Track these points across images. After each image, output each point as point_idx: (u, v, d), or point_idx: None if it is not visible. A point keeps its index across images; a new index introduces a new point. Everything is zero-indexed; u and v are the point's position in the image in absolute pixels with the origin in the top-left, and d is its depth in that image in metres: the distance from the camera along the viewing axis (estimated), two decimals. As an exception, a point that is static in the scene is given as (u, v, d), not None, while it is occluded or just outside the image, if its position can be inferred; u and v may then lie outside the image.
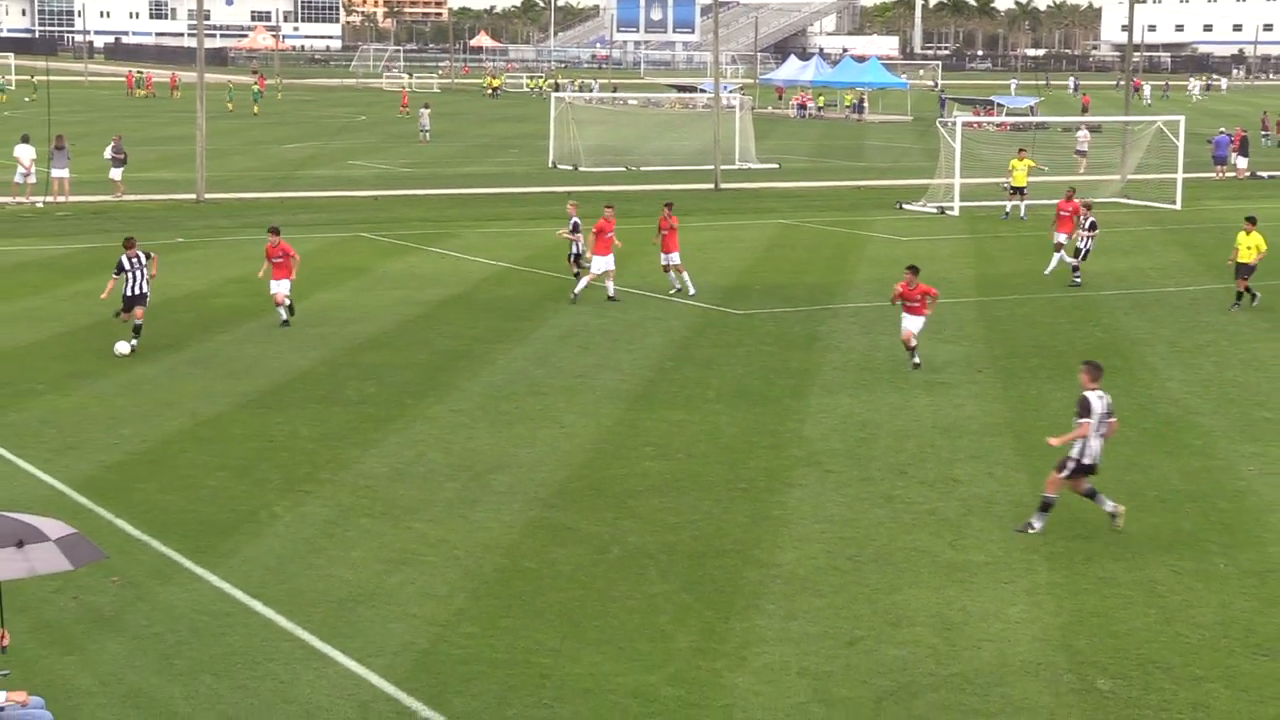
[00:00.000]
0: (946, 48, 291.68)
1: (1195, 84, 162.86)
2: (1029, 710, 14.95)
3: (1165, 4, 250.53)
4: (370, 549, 19.35)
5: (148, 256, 30.76)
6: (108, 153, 58.15)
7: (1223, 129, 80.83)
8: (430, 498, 21.50)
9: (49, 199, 55.81)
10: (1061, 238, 41.87)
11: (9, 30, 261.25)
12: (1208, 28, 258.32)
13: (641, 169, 74.22)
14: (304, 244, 46.28)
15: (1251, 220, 37.41)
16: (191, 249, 45.26)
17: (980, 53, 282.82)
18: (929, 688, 15.44)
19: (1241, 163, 75.40)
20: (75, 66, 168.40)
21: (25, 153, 55.74)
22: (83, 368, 28.89)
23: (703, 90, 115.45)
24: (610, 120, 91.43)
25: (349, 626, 16.79)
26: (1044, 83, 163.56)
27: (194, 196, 57.92)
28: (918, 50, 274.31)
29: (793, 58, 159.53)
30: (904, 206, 59.51)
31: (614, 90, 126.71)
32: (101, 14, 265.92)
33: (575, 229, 37.92)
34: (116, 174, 57.65)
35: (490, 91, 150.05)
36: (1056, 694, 15.35)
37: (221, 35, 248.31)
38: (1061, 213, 42.03)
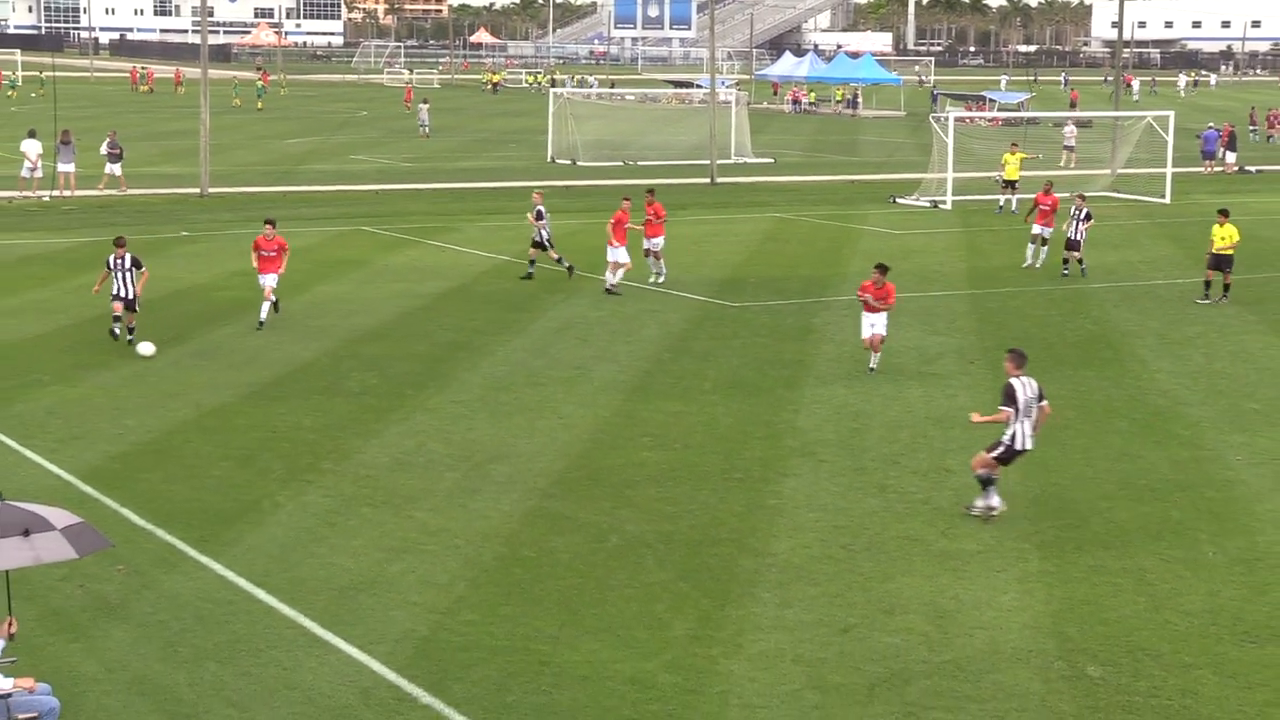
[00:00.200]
0: (939, 44, 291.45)
1: (1183, 79, 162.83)
2: (1020, 697, 14.96)
3: (1155, 1, 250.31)
4: (371, 538, 19.36)
5: (138, 267, 30.06)
6: (103, 148, 58.06)
7: (1211, 124, 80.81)
8: (430, 487, 21.50)
9: (55, 193, 55.78)
10: (1038, 229, 41.80)
11: (15, 27, 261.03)
12: (1196, 24, 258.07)
13: (639, 163, 74.16)
14: (306, 237, 46.33)
15: (1224, 213, 37.31)
16: (195, 242, 45.24)
17: (973, 49, 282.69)
18: (922, 674, 15.46)
19: (1230, 158, 75.39)
20: (81, 62, 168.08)
21: (32, 148, 55.69)
22: (88, 359, 28.87)
23: (699, 86, 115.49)
24: (608, 115, 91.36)
25: (350, 614, 16.80)
26: (1033, 79, 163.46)
27: (198, 191, 57.88)
28: (911, 46, 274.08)
29: (788, 54, 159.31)
30: (897, 200, 59.48)
31: (612, 86, 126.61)
32: (107, 11, 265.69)
33: (539, 216, 38.51)
34: (114, 169, 57.54)
35: (490, 87, 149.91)
36: (1047, 681, 15.37)
37: (225, 32, 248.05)
38: (1040, 206, 41.94)
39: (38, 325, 32.38)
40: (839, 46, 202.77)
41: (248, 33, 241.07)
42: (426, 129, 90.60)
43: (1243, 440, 24.68)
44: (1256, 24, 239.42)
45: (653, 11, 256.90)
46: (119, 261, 29.86)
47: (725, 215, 54.61)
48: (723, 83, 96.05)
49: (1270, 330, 34.01)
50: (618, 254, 36.79)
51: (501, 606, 17.11)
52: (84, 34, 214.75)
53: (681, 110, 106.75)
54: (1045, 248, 41.86)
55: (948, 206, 57.12)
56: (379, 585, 17.71)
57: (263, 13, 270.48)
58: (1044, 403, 20.38)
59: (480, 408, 26.07)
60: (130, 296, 29.99)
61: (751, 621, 16.80)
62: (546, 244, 38.79)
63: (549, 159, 75.25)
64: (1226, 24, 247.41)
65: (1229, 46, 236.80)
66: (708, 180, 66.20)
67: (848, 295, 37.70)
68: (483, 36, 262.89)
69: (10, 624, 13.67)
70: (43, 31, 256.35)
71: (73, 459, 22.58)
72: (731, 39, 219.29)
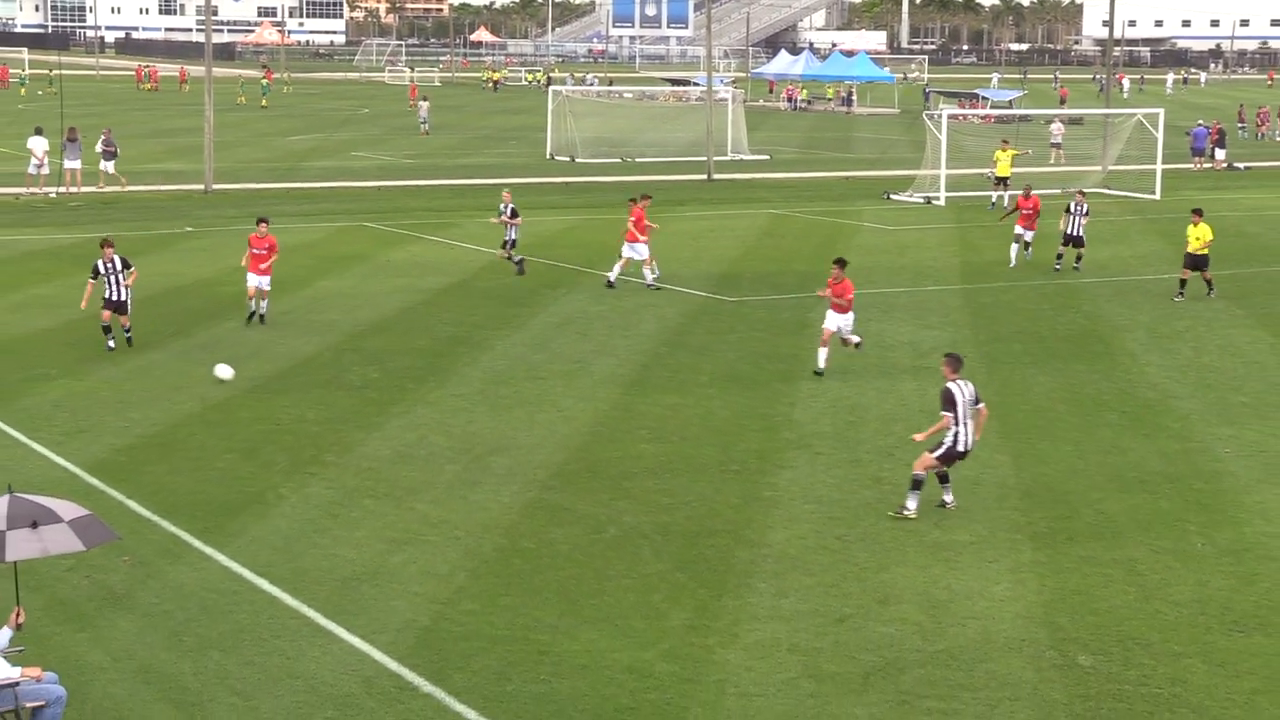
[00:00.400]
0: (933, 42, 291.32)
1: (1171, 77, 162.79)
2: (1012, 685, 14.97)
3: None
4: (373, 529, 19.36)
5: (126, 266, 29.17)
6: (98, 146, 57.96)
7: (1201, 121, 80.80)
8: (431, 479, 21.50)
9: (62, 190, 55.75)
10: (1020, 231, 41.70)
11: (23, 26, 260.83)
12: (1186, 23, 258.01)
13: (637, 160, 74.14)
14: (308, 233, 46.35)
15: (1198, 212, 37.24)
16: (199, 238, 45.21)
17: (965, 47, 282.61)
18: (915, 663, 15.47)
19: (1220, 154, 75.38)
20: (87, 61, 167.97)
21: (39, 145, 55.65)
22: (94, 353, 28.85)
23: (696, 84, 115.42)
24: (606, 113, 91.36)
25: (353, 604, 16.80)
26: (1022, 76, 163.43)
27: (202, 187, 57.85)
28: (905, 45, 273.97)
29: (783, 52, 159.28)
30: (891, 196, 59.46)
31: (609, 84, 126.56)
32: (112, 10, 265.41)
33: (514, 214, 38.63)
34: (108, 166, 57.45)
35: (491, 85, 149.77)
36: (1039, 669, 15.38)
37: (229, 30, 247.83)
38: (1022, 209, 41.84)
39: (44, 320, 32.35)
40: (834, 45, 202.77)
41: (251, 31, 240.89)
42: (426, 126, 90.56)
43: (1231, 433, 24.69)
44: (1245, 23, 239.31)
45: (650, 10, 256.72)
46: (109, 265, 28.94)
47: (722, 211, 54.59)
48: (719, 81, 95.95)
49: (1257, 324, 34.03)
50: (635, 249, 36.75)
51: (501, 597, 17.12)
52: (90, 33, 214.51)
53: (679, 108, 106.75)
54: (1029, 250, 41.73)
55: (941, 203, 57.10)
56: (381, 576, 17.71)
57: (266, 11, 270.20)
58: (981, 405, 20.32)
59: (480, 401, 26.07)
60: (121, 299, 29.15)
61: (748, 611, 16.81)
62: (512, 241, 38.79)
63: (548, 156, 75.21)
64: (1215, 23, 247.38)
65: (1218, 45, 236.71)
66: (704, 176, 66.18)
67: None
68: (483, 35, 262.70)
69: (18, 614, 13.67)
70: (49, 30, 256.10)
71: (79, 451, 22.58)
72: (728, 37, 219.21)
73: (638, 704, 14.49)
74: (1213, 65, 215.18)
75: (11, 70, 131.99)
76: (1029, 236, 41.57)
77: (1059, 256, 40.95)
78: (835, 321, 28.21)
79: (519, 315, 33.72)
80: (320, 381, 27.30)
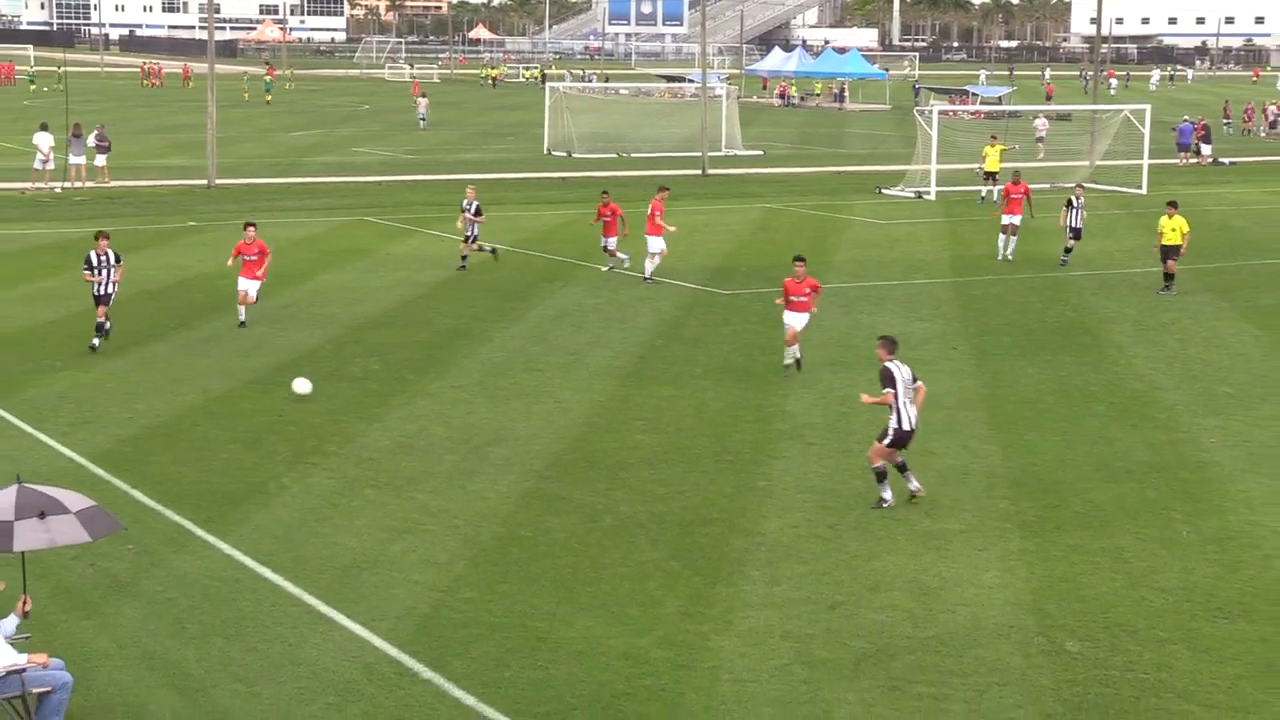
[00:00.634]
0: (924, 40, 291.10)
1: (1156, 74, 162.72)
2: (1001, 671, 14.99)
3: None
4: (374, 518, 19.36)
5: (117, 259, 28.73)
6: (91, 140, 57.86)
7: (1186, 117, 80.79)
8: (431, 469, 21.50)
9: (66, 184, 55.69)
10: (1007, 219, 41.66)
11: (29, 23, 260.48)
12: (1172, 20, 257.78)
13: (632, 155, 74.09)
14: (310, 228, 46.33)
15: (1173, 204, 37.19)
16: (202, 232, 45.17)
17: (955, 44, 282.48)
18: (906, 650, 15.48)
19: (1206, 150, 75.38)
20: (92, 58, 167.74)
21: (44, 140, 55.61)
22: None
23: (691, 80, 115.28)
24: (602, 109, 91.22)
25: (354, 592, 16.80)
26: (1009, 73, 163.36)
27: (205, 182, 57.80)
28: (896, 42, 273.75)
29: (777, 49, 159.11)
30: (883, 191, 59.46)
31: (606, 80, 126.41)
32: (116, 7, 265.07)
33: (477, 212, 38.47)
34: (101, 160, 57.39)
35: (490, 82, 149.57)
36: (1027, 655, 15.39)
37: (231, 28, 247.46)
38: (1011, 195, 41.79)
39: (50, 312, 32.32)
40: (826, 42, 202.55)
41: (253, 29, 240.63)
42: (425, 122, 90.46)
43: (1216, 423, 24.70)
44: (1230, 20, 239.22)
45: (646, 8, 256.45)
46: (102, 258, 28.44)
47: (716, 206, 54.57)
48: (714, 77, 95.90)
49: (1242, 316, 34.04)
50: (654, 243, 36.80)
51: (499, 584, 17.12)
52: (94, 30, 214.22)
53: (674, 104, 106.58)
54: (1015, 236, 41.55)
55: (931, 197, 57.11)
56: (381, 564, 17.71)
57: (268, 9, 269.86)
58: (919, 384, 20.31)
59: (479, 392, 26.06)
60: (108, 293, 28.56)
61: (741, 599, 16.82)
62: (474, 236, 38.68)
63: (545, 151, 75.16)
64: (1201, 20, 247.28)
65: (1203, 42, 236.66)
66: (699, 172, 66.16)
67: (835, 283, 37.72)
68: (481, 33, 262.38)
69: (25, 601, 13.68)
70: (54, 28, 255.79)
71: (84, 442, 22.57)
72: (722, 35, 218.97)
73: (633, 690, 14.50)
74: (1198, 62, 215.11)
75: (19, 68, 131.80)
76: (1016, 221, 41.44)
77: (1067, 250, 40.82)
78: (794, 321, 27.44)
79: (517, 308, 33.72)
80: (322, 373, 27.27)
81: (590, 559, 17.99)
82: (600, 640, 15.58)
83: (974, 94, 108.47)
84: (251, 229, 30.95)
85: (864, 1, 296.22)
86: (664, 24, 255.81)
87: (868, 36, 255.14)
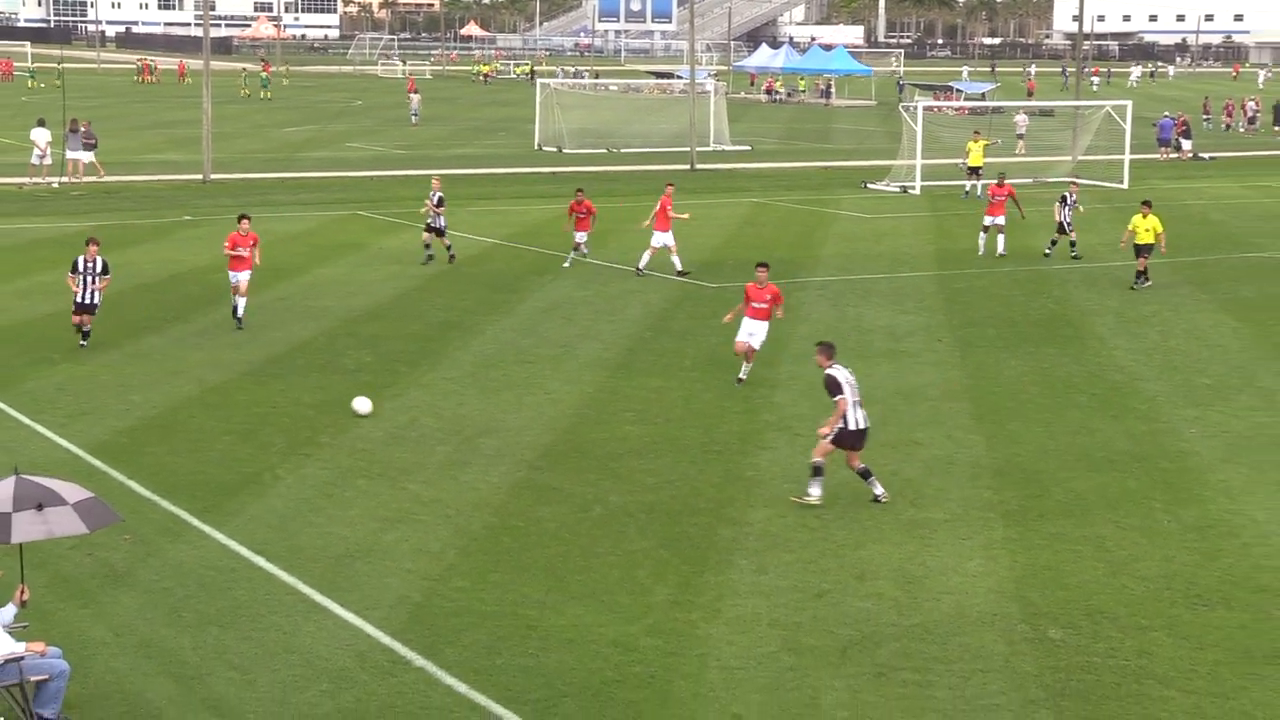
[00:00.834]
0: (909, 37, 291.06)
1: (1137, 70, 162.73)
2: (985, 658, 15.00)
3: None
4: (367, 508, 19.34)
5: (104, 270, 28.00)
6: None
7: (1167, 113, 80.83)
8: (423, 460, 21.48)
9: (64, 179, 55.57)
10: (989, 220, 41.59)
11: (26, 20, 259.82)
12: (1153, 18, 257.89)
13: (622, 150, 74.04)
14: (304, 222, 46.28)
15: (1147, 204, 37.18)
16: (198, 226, 45.08)
17: (940, 41, 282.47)
18: (891, 637, 15.49)
19: (1186, 145, 75.45)
20: (89, 55, 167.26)
21: (42, 136, 55.46)
22: (95, 338, 28.72)
23: (679, 76, 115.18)
24: (592, 105, 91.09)
25: (347, 581, 16.79)
26: (990, 69, 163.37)
27: (200, 177, 57.70)
28: (881, 39, 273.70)
29: (764, 46, 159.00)
30: (869, 186, 59.45)
31: (595, 76, 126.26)
32: (113, 4, 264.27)
33: (440, 203, 38.25)
34: (88, 157, 57.21)
35: (482, 79, 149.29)
36: (1010, 643, 15.40)
37: (226, 25, 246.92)
38: (995, 197, 41.70)
39: (47, 305, 32.25)
40: (813, 39, 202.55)
41: (248, 25, 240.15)
42: (417, 118, 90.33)
43: (1195, 414, 24.73)
44: (1209, 18, 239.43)
45: (635, 5, 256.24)
46: (89, 264, 27.78)
47: (705, 200, 54.50)
48: (702, 74, 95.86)
49: (1221, 309, 34.08)
50: (659, 238, 36.78)
51: (491, 573, 17.11)
52: (91, 27, 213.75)
53: (663, 100, 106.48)
54: (1001, 235, 41.47)
55: (916, 191, 57.13)
56: (374, 553, 17.70)
57: (262, 6, 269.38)
58: (853, 373, 20.04)
59: (471, 384, 26.05)
60: (92, 302, 27.96)
61: (729, 587, 16.82)
62: (442, 230, 38.44)
63: (536, 146, 75.08)
64: (1181, 17, 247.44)
65: (1184, 39, 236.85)
66: (688, 166, 66.11)
67: (821, 276, 37.76)
68: (473, 29, 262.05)
69: (22, 591, 13.65)
70: (52, 25, 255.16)
71: (81, 433, 22.54)
72: (710, 31, 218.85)
73: (623, 677, 14.50)
74: (1179, 59, 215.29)
75: (17, 64, 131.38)
76: (1001, 222, 41.42)
77: (1061, 244, 40.79)
78: (750, 329, 26.11)
79: (508, 301, 33.70)
80: (316, 366, 27.26)
81: (580, 548, 17.98)
82: (590, 628, 15.58)
83: (958, 90, 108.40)
84: (246, 221, 30.62)
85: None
86: (653, 21, 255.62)
87: (853, 33, 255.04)
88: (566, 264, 38.29)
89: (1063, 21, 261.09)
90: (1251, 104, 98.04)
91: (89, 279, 27.84)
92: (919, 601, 16.44)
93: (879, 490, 19.87)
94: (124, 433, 22.71)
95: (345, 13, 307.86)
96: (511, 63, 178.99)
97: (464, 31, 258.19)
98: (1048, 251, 40.90)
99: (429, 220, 38.49)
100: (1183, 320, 32.71)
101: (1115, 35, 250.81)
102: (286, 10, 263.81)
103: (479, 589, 16.61)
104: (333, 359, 27.83)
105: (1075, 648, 15.29)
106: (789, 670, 14.69)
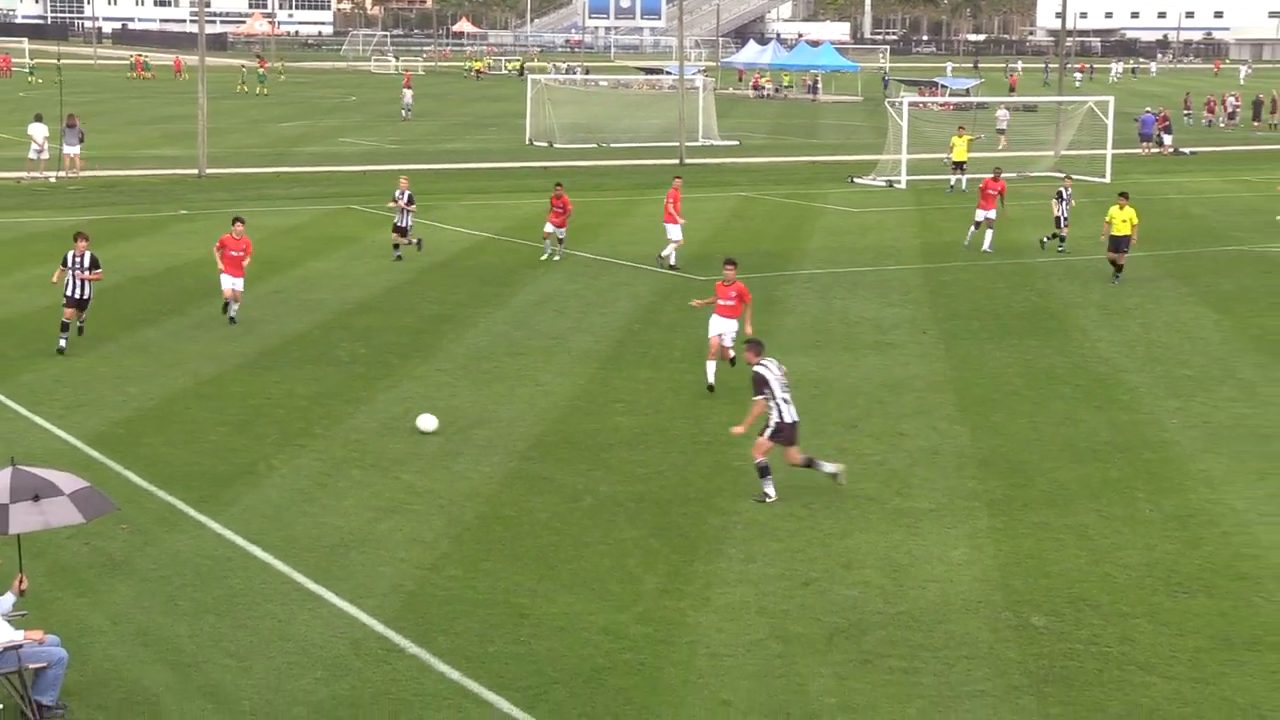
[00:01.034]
0: (894, 33, 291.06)
1: (1118, 66, 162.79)
2: (970, 645, 15.02)
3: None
4: (361, 498, 19.33)
5: (94, 265, 27.55)
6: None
7: (1149, 108, 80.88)
8: (416, 451, 21.47)
9: (61, 174, 55.44)
10: (981, 214, 41.55)
11: (23, 17, 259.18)
12: (1135, 14, 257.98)
13: (612, 145, 73.99)
14: (298, 215, 46.20)
15: (1124, 195, 37.17)
16: (193, 220, 44.99)
17: (925, 38, 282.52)
18: (878, 625, 15.50)
19: (1167, 140, 75.53)
20: (85, 51, 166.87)
21: (39, 131, 55.33)
22: (92, 331, 28.67)
23: (668, 72, 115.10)
24: (583, 100, 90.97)
25: (341, 570, 16.78)
26: (973, 65, 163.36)
27: (196, 171, 57.59)
28: (868, 35, 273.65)
29: (752, 42, 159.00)
30: (855, 180, 59.45)
31: (586, 72, 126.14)
32: (109, 1, 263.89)
33: (410, 200, 37.97)
34: (73, 150, 57.00)
35: (474, 75, 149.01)
36: (995, 630, 15.42)
37: (221, 21, 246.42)
38: (988, 190, 41.61)
39: (45, 299, 32.12)
40: (800, 35, 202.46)
41: (243, 22, 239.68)
42: (409, 113, 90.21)
43: (1177, 405, 24.77)
44: (1190, 15, 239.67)
45: (625, 2, 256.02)
46: (77, 259, 27.35)
47: (693, 194, 54.37)
48: (691, 69, 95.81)
49: (1202, 302, 34.12)
50: (672, 230, 36.78)
51: (483, 562, 17.11)
52: (88, 23, 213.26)
53: (652, 95, 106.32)
54: (990, 230, 41.40)
55: (902, 186, 57.12)
56: (368, 543, 17.69)
57: (257, 3, 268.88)
58: (783, 369, 19.88)
59: (463, 376, 26.03)
60: (82, 296, 27.51)
61: (718, 576, 16.83)
62: (406, 229, 37.98)
63: (527, 141, 75.02)
64: (1163, 14, 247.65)
65: (1165, 36, 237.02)
66: (677, 161, 66.05)
67: (809, 269, 37.77)
68: (464, 26, 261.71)
69: (21, 580, 13.64)
70: (48, 21, 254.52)
71: (79, 424, 22.50)
72: (699, 28, 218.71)
73: (613, 664, 14.51)
74: (1160, 55, 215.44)
75: (15, 61, 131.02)
76: (992, 215, 41.36)
77: (1061, 239, 40.82)
78: (720, 327, 25.38)
79: (500, 294, 33.67)
80: (310, 358, 27.23)
81: (571, 537, 17.98)
82: (581, 616, 15.58)
83: (943, 86, 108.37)
84: (240, 225, 30.02)
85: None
86: (642, 18, 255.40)
87: (840, 30, 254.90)
88: (544, 256, 38.25)
89: (1046, 18, 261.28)
90: (1232, 100, 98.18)
91: (75, 273, 27.46)
92: (905, 589, 16.45)
93: (830, 468, 19.65)
94: (121, 424, 22.68)
95: (339, 9, 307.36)
96: (503, 59, 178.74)
97: (456, 28, 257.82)
98: (1044, 242, 40.93)
99: (396, 220, 38.24)
100: (1164, 313, 32.74)
101: (1098, 32, 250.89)
102: (280, 7, 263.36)
103: (471, 578, 16.61)
104: (326, 351, 27.80)
105: (1058, 635, 15.31)
106: (777, 657, 14.70)
